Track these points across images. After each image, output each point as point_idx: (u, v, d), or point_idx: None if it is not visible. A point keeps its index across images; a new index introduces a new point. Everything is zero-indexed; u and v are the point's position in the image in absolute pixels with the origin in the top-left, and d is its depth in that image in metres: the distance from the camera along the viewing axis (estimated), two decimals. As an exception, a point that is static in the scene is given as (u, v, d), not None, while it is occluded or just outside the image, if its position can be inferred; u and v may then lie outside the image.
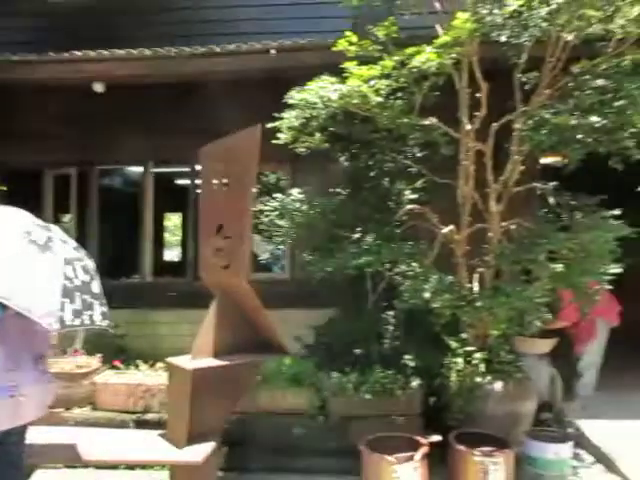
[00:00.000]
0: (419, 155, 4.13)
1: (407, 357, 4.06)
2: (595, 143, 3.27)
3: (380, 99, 3.15)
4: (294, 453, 4.00)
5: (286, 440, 4.02)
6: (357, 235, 3.76)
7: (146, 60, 4.45)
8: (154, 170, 5.78)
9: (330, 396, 4.04)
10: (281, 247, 5.64)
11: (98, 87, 5.00)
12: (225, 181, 3.39)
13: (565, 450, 3.70)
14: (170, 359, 3.41)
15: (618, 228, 3.28)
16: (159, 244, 11.61)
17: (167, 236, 14.25)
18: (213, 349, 3.36)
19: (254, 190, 3.12)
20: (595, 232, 3.24)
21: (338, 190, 4.26)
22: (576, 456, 4.36)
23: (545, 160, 5.57)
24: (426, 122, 3.52)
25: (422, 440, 3.42)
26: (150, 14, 6.12)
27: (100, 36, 5.59)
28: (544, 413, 4.86)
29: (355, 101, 3.12)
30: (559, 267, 3.32)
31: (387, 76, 3.22)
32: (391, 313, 4.13)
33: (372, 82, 3.11)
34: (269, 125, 3.50)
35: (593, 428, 4.46)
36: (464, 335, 4.19)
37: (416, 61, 3.05)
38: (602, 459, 4.15)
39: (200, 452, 3.01)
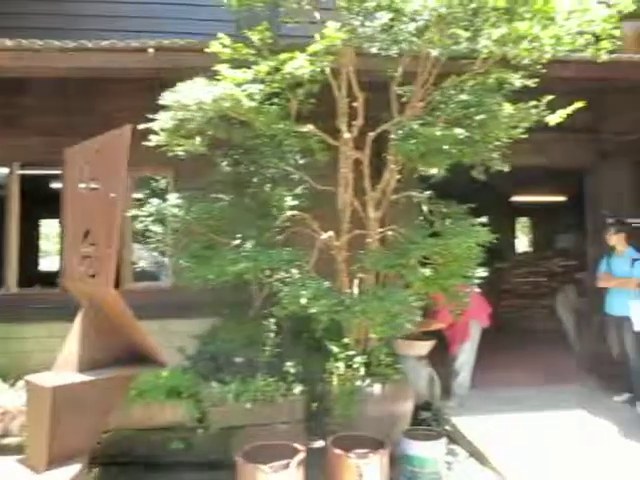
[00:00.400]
0: (301, 162, 4.16)
1: (289, 364, 4.05)
2: (460, 154, 3.47)
3: (253, 104, 3.12)
4: (172, 469, 3.85)
5: (163, 456, 3.85)
6: (237, 242, 3.70)
7: (8, 52, 4.08)
8: (21, 172, 5.32)
9: (210, 407, 3.93)
10: (163, 255, 5.43)
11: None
12: (93, 184, 3.19)
13: (438, 447, 3.86)
14: (29, 377, 3.14)
15: (482, 234, 3.49)
16: (32, 253, 10.80)
17: (44, 244, 13.25)
18: (78, 364, 3.14)
19: (126, 193, 2.94)
20: (460, 238, 3.42)
21: (220, 196, 4.17)
22: (451, 452, 4.59)
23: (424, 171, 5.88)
24: (304, 129, 3.55)
25: (299, 447, 3.41)
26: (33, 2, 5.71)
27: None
28: (424, 412, 5.08)
29: (227, 104, 3.06)
30: (427, 271, 3.46)
31: (261, 81, 3.20)
32: (273, 320, 4.10)
33: (245, 86, 3.07)
34: (142, 126, 3.35)
35: (468, 424, 4.71)
36: (346, 340, 4.27)
37: (289, 67, 3.06)
38: (475, 454, 4.38)
39: (61, 476, 2.79)
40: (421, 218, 4.17)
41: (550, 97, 3.56)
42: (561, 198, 9.34)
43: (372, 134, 3.76)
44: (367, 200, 4.02)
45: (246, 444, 3.53)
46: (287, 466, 3.25)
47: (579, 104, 3.46)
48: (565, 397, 5.29)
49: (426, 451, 3.80)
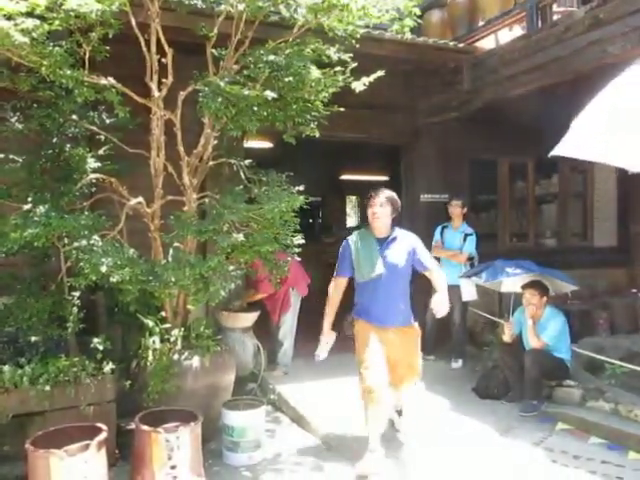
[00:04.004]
0: (108, 122, 3.83)
1: (97, 340, 3.74)
2: (271, 117, 3.46)
3: (26, 40, 2.73)
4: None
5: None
6: (28, 206, 3.28)
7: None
8: None
9: (0, 393, 3.48)
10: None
11: None
12: None
13: (258, 416, 3.87)
14: None
15: (294, 199, 3.52)
16: None
17: None
18: None
19: None
20: (273, 203, 3.41)
21: (11, 156, 3.68)
22: (275, 420, 4.66)
23: (252, 143, 5.85)
24: (101, 81, 3.25)
25: (102, 426, 3.16)
26: None
27: None
28: (250, 383, 5.08)
29: (-9, 37, 2.63)
30: (240, 237, 3.41)
31: (41, 18, 2.83)
32: (76, 294, 3.74)
33: (20, 20, 2.67)
34: None
35: (292, 392, 4.81)
36: (162, 314, 4.07)
37: (72, 2, 2.73)
38: (297, 419, 4.49)
39: None
40: (241, 187, 4.10)
41: (354, 64, 3.68)
42: (384, 177, 9.99)
43: (183, 93, 3.57)
44: (182, 166, 3.84)
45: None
46: (86, 447, 2.99)
47: (379, 73, 3.63)
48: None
49: (245, 420, 3.79)
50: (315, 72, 3.42)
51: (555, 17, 4.90)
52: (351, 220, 14.13)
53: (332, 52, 3.83)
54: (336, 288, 3.75)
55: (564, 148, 3.28)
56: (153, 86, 3.62)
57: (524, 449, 3.85)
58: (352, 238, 3.76)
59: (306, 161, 7.75)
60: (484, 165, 7.03)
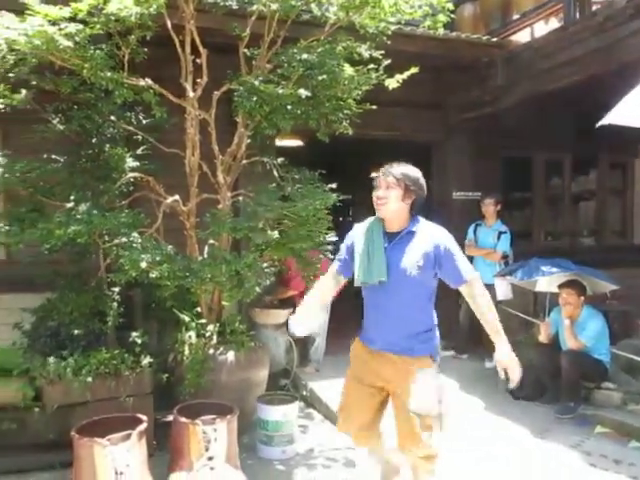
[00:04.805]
0: (145, 122, 3.93)
1: (135, 335, 3.85)
2: (305, 115, 3.49)
3: (71, 44, 2.83)
4: (4, 452, 3.51)
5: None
6: (70, 205, 3.40)
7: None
8: None
9: (46, 384, 3.62)
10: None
11: None
12: None
13: (291, 411, 3.92)
14: None
15: (327, 197, 3.55)
16: None
17: None
18: None
19: None
20: (307, 200, 3.44)
21: (53, 156, 3.82)
22: (308, 416, 4.70)
23: (284, 142, 5.92)
24: (141, 82, 3.33)
25: (142, 417, 3.25)
26: None
27: None
28: (283, 379, 5.14)
29: (37, 42, 2.74)
30: (275, 234, 3.45)
31: (83, 22, 2.93)
32: (116, 290, 3.86)
33: (63, 25, 2.78)
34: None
35: (324, 388, 4.82)
36: (198, 309, 4.16)
37: (113, 6, 2.82)
38: (330, 416, 4.50)
39: None
40: (274, 184, 4.16)
41: (388, 61, 3.68)
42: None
43: (217, 92, 3.64)
44: (217, 164, 3.91)
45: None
46: (128, 437, 3.09)
47: (413, 70, 3.62)
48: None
49: (279, 415, 3.84)
50: (348, 70, 3.44)
51: (594, 8, 4.78)
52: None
53: (363, 49, 3.84)
54: (323, 279, 2.84)
55: (615, 116, 3.13)
56: (188, 86, 3.70)
57: (561, 452, 3.77)
58: (359, 226, 2.75)
59: (336, 159, 7.76)
60: (518, 162, 6.91)
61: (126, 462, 2.98)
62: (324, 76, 3.41)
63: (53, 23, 2.80)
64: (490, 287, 5.29)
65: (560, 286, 4.71)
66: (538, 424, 4.21)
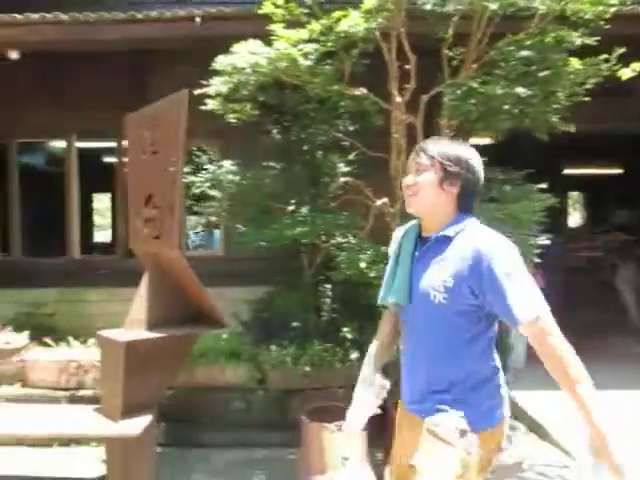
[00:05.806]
0: (352, 128, 4.14)
1: (345, 329, 4.10)
2: (521, 114, 3.37)
3: (309, 63, 3.10)
4: (234, 428, 3.99)
5: (225, 415, 3.99)
6: (291, 207, 3.73)
7: (61, 25, 4.17)
8: (78, 145, 5.49)
9: (269, 370, 4.03)
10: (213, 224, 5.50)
11: (13, 54, 4.66)
12: (153, 149, 3.25)
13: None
14: (102, 332, 3.25)
15: (544, 199, 3.41)
16: (88, 224, 11.21)
17: (96, 218, 13.81)
18: (146, 321, 3.21)
19: (183, 157, 2.99)
20: (523, 202, 3.35)
21: (271, 164, 4.20)
22: (511, 426, 4.57)
23: (475, 140, 5.76)
24: (356, 92, 3.51)
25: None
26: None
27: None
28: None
29: (284, 64, 3.05)
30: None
31: (316, 41, 3.19)
32: (328, 286, 4.14)
33: (301, 46, 3.06)
34: (197, 92, 3.37)
35: (526, 398, 4.66)
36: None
37: (344, 25, 3.03)
38: (535, 428, 4.34)
39: (136, 425, 2.87)
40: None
41: (622, 50, 3.38)
42: (616, 170, 8.94)
43: (425, 96, 3.69)
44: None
45: (303, 407, 3.63)
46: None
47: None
48: (628, 375, 5.14)
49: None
50: (575, 63, 3.25)
51: None
52: (572, 219, 13.03)
53: (575, 37, 3.60)
54: (383, 316, 2.09)
55: None
56: (395, 92, 3.80)
57: None
58: (399, 230, 2.06)
59: (524, 156, 7.36)
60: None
61: (350, 447, 3.21)
62: (546, 72, 3.26)
63: (293, 45, 3.10)
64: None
65: None
66: None
